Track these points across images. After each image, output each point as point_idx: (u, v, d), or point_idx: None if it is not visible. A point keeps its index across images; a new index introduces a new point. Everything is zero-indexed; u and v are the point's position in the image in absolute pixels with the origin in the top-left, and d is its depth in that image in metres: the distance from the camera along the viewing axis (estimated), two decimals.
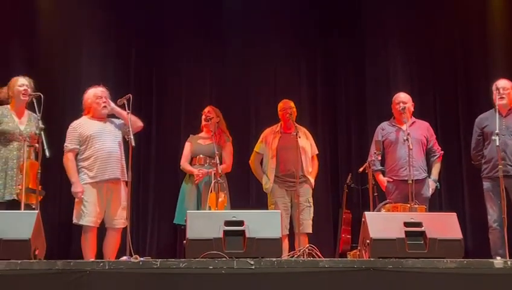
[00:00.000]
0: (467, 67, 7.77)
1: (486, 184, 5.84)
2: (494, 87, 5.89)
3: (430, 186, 6.15)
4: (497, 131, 5.40)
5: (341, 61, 7.99)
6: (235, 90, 7.74)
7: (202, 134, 6.38)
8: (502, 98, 5.80)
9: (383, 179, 6.21)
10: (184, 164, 6.29)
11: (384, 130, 6.26)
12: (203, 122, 6.32)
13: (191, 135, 6.45)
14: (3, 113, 5.38)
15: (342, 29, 7.94)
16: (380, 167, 6.24)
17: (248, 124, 7.58)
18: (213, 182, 5.90)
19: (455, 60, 7.85)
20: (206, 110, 6.39)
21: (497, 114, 5.65)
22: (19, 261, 3.73)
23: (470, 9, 7.72)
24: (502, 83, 5.90)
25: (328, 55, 7.99)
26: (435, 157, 6.25)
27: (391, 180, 6.12)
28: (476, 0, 7.71)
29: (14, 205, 5.14)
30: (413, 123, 6.18)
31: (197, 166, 6.18)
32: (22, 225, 4.03)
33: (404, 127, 5.98)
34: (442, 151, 6.32)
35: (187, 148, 6.35)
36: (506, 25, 7.55)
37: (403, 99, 6.17)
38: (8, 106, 5.44)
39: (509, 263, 3.96)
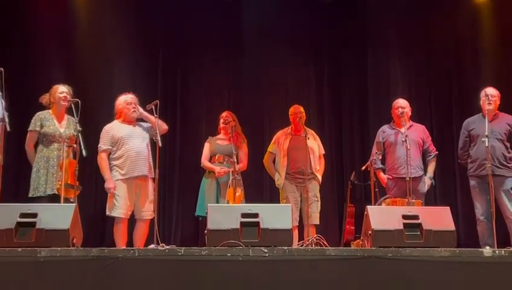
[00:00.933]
0: (459, 76, 7.77)
1: (472, 182, 5.83)
2: (483, 94, 5.88)
3: (426, 183, 6.13)
4: (486, 133, 5.35)
5: (345, 70, 7.96)
6: (250, 96, 7.74)
7: (220, 136, 6.37)
8: (489, 103, 5.79)
9: (383, 177, 6.20)
10: (204, 161, 6.27)
11: (385, 132, 6.25)
12: (222, 125, 6.32)
13: (209, 137, 6.45)
14: (45, 117, 5.43)
15: (346, 42, 7.92)
16: (381, 166, 6.24)
17: (262, 126, 7.58)
18: (231, 178, 5.91)
19: (448, 70, 7.83)
20: (223, 114, 6.39)
21: (486, 118, 5.62)
22: (59, 248, 3.76)
23: (462, 26, 7.71)
24: (490, 90, 5.89)
25: (334, 65, 7.96)
26: (431, 157, 6.23)
27: (391, 177, 6.10)
28: (468, 18, 7.67)
29: (54, 198, 5.19)
30: (410, 126, 6.17)
31: (216, 164, 6.17)
32: (62, 216, 4.05)
33: (402, 129, 5.95)
34: (437, 152, 6.30)
35: (206, 148, 6.34)
36: (494, 41, 7.56)
37: (402, 104, 6.17)
38: (50, 110, 5.49)
39: (497, 252, 3.95)
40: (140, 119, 5.74)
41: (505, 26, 7.55)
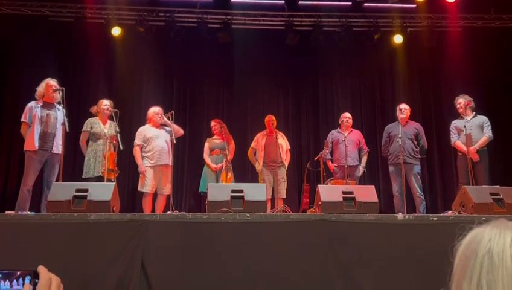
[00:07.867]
0: (381, 96, 7.84)
1: (390, 168, 5.90)
2: (398, 108, 5.99)
3: (360, 170, 6.20)
4: (400, 135, 5.48)
5: (303, 92, 7.95)
6: (238, 109, 7.71)
7: (215, 137, 6.35)
8: (402, 114, 5.87)
9: (331, 165, 6.25)
10: (205, 157, 6.24)
11: (333, 135, 6.34)
12: (217, 130, 6.30)
13: (208, 138, 6.44)
14: (94, 121, 5.40)
15: (304, 72, 7.92)
16: (330, 157, 6.29)
17: (246, 130, 7.53)
18: (224, 165, 5.91)
19: (374, 92, 7.90)
20: (212, 123, 6.39)
21: (400, 125, 5.71)
22: (103, 213, 3.72)
23: (384, 61, 7.79)
24: (402, 105, 6.01)
25: (295, 89, 7.95)
26: (363, 153, 6.31)
27: (336, 165, 6.15)
28: (388, 56, 7.74)
29: (100, 179, 5.15)
30: (351, 132, 6.27)
31: (214, 156, 6.15)
32: (105, 191, 4.02)
33: (345, 133, 6.07)
34: (368, 149, 6.38)
35: (206, 146, 6.31)
36: (405, 72, 7.67)
37: (347, 116, 6.32)
38: (97, 117, 5.45)
39: (406, 216, 3.99)
40: (164, 125, 5.71)
41: (412, 62, 7.68)
